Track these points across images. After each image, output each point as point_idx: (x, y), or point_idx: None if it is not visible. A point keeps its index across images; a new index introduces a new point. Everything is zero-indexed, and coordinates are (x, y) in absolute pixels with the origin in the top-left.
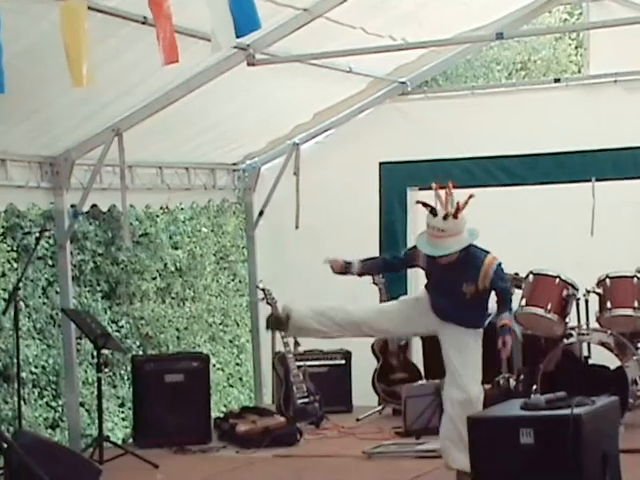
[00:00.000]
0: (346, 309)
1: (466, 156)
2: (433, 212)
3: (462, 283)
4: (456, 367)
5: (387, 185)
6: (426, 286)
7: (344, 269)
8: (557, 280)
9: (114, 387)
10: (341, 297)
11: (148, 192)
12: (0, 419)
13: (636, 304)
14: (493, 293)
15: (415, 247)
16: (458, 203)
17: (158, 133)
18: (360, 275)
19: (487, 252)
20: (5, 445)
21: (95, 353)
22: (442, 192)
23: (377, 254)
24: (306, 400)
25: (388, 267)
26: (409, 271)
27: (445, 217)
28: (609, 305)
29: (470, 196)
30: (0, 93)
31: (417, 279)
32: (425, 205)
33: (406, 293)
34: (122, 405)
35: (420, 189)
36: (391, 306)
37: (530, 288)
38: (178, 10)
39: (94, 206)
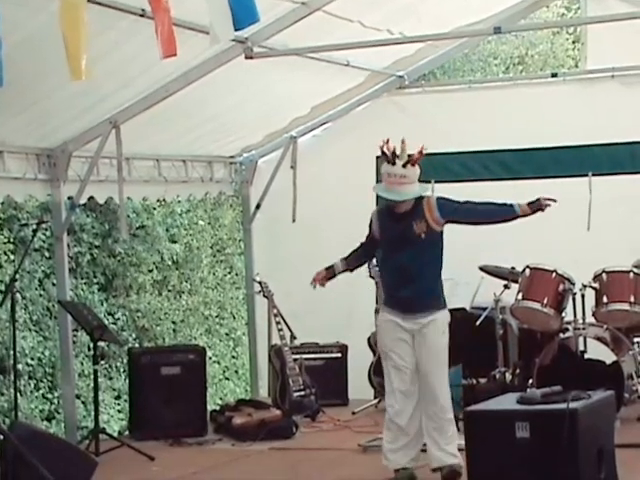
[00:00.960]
0: (407, 423)
1: (463, 150)
2: (393, 159)
3: (412, 225)
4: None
5: None
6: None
7: (330, 275)
8: (554, 274)
9: (110, 379)
10: (337, 290)
11: (145, 184)
12: None
13: (632, 299)
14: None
15: (371, 220)
16: (417, 153)
17: (155, 125)
18: (350, 271)
19: None
20: (1, 437)
21: (91, 345)
22: (391, 145)
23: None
24: (302, 393)
25: (366, 251)
26: None
27: (404, 165)
28: (605, 300)
29: (422, 147)
30: (0, 86)
31: None
32: (384, 154)
33: None
34: (118, 397)
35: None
36: (400, 370)
37: (527, 282)
38: (176, 3)
39: (91, 198)
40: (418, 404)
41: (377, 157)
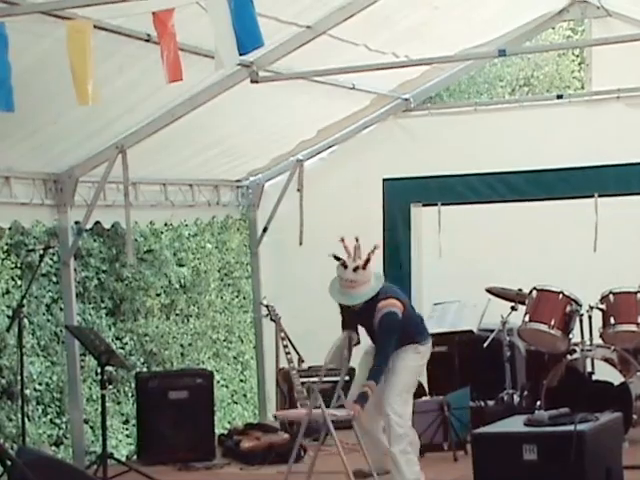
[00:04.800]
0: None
1: (469, 172)
2: (344, 265)
3: (372, 323)
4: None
5: (390, 201)
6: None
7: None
8: (560, 296)
9: (118, 404)
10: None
11: (152, 209)
12: (4, 436)
13: (639, 320)
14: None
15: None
16: (368, 255)
17: (162, 150)
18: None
19: (389, 296)
20: (9, 463)
21: (99, 370)
22: (350, 244)
23: (381, 270)
24: None
25: (351, 325)
26: (412, 284)
27: (355, 269)
28: (612, 321)
29: (375, 247)
30: (10, 111)
31: (420, 293)
32: (337, 258)
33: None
34: (126, 422)
35: (423, 205)
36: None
37: (533, 304)
38: (182, 27)
39: (98, 223)
40: None
41: (384, 180)
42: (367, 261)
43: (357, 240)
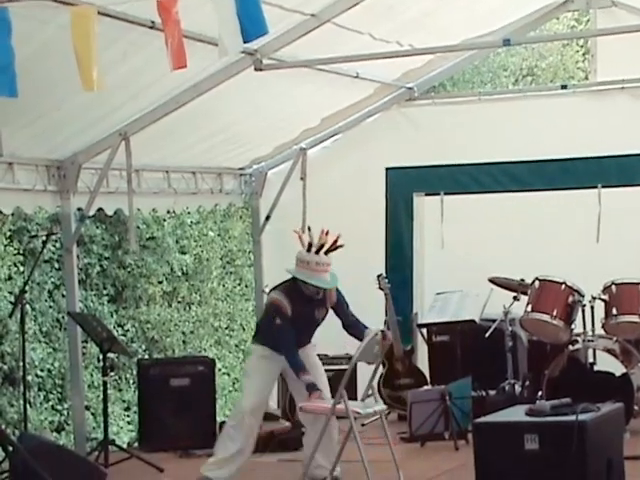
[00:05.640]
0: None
1: (472, 162)
2: (319, 249)
3: (315, 311)
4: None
5: (393, 190)
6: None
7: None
8: (563, 286)
9: (120, 391)
10: (348, 302)
11: (155, 196)
12: (5, 422)
13: None
14: None
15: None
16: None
17: (165, 137)
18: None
19: None
20: (11, 448)
21: (101, 357)
22: (304, 236)
23: (383, 259)
24: None
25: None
26: (414, 274)
27: (326, 253)
28: (615, 312)
29: (338, 236)
30: (13, 97)
31: (422, 282)
32: (310, 244)
33: (411, 296)
34: (128, 409)
35: (426, 195)
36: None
37: (536, 294)
38: (186, 14)
39: (101, 210)
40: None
41: (387, 169)
42: (334, 247)
43: (325, 232)
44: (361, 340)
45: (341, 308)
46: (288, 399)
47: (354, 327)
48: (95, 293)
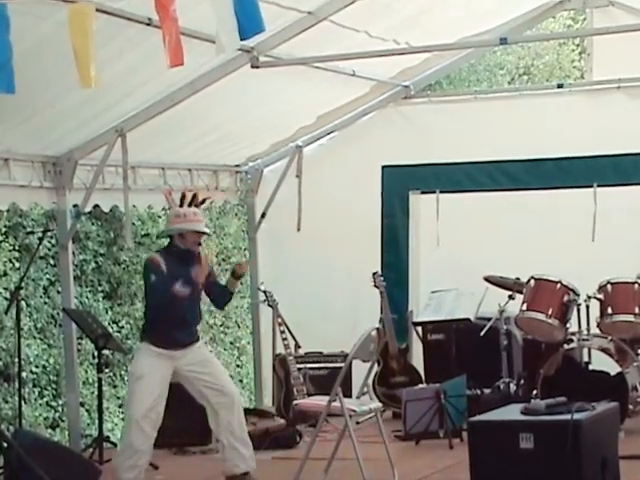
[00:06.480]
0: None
1: (468, 160)
2: (193, 201)
3: (190, 270)
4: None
5: (389, 188)
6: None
7: None
8: (558, 285)
9: (114, 387)
10: (341, 299)
11: (150, 193)
12: (0, 418)
13: (637, 310)
14: None
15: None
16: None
17: (161, 134)
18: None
19: None
20: (5, 445)
21: (96, 353)
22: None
23: (379, 257)
24: None
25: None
26: (410, 272)
27: (197, 206)
28: (610, 311)
29: (197, 192)
30: (11, 93)
31: (417, 281)
32: (182, 201)
33: (406, 294)
34: (122, 405)
35: (422, 193)
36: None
37: (531, 293)
38: (183, 12)
39: (96, 206)
40: None
41: (383, 167)
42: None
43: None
44: (222, 297)
45: (212, 275)
46: (282, 397)
47: (216, 290)
48: (90, 290)
